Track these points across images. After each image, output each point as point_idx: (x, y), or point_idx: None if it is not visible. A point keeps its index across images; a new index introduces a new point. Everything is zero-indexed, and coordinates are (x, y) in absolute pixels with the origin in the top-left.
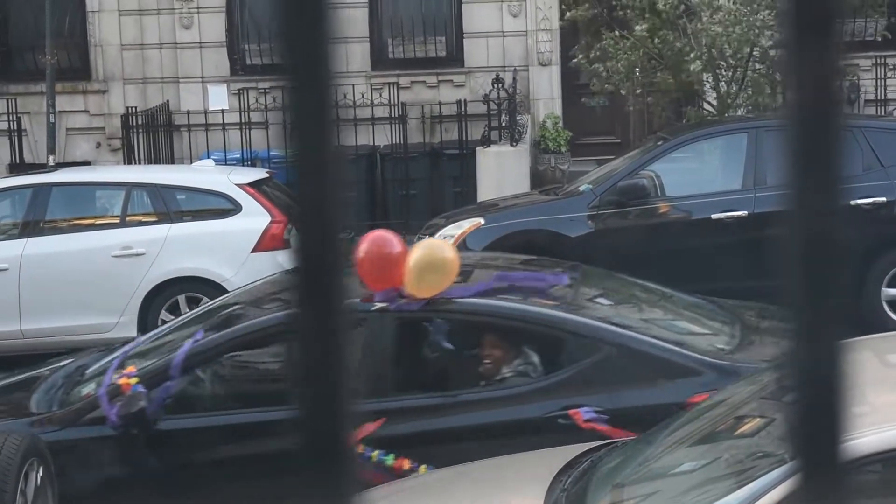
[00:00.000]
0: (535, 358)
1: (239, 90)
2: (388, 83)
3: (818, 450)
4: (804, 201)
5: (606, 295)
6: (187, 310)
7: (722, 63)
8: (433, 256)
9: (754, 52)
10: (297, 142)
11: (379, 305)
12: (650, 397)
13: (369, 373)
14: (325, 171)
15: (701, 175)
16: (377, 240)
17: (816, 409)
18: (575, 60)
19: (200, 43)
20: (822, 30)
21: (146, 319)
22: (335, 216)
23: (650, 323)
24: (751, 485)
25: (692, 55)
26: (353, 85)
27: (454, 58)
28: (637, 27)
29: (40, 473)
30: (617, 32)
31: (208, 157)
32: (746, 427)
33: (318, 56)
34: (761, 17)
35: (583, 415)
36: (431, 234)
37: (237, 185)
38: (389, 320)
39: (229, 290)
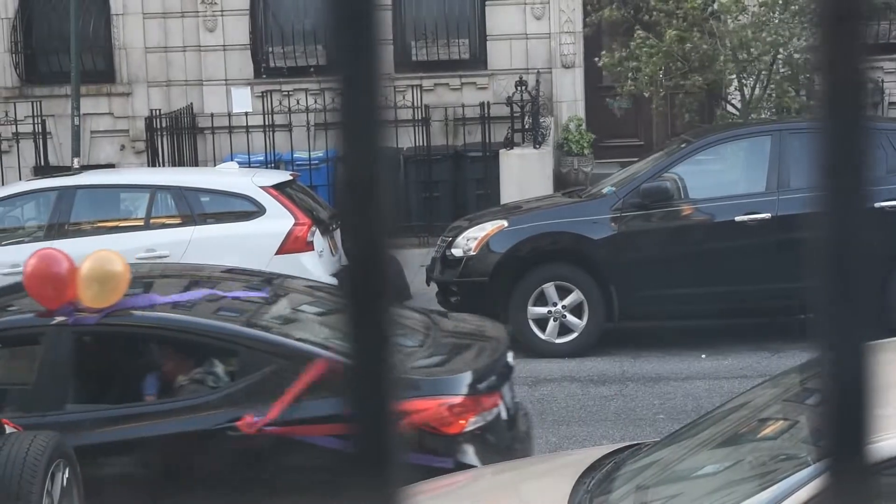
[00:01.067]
0: (218, 369)
1: (263, 93)
2: (412, 85)
3: (845, 451)
4: (833, 203)
5: (299, 310)
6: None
7: (747, 66)
8: (101, 269)
9: (779, 56)
10: (344, 142)
11: (58, 320)
12: (322, 408)
13: (48, 386)
14: (374, 172)
15: (724, 177)
16: (44, 259)
17: (843, 410)
18: (601, 62)
19: (224, 46)
20: (850, 29)
21: None
22: (384, 216)
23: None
24: (774, 487)
25: (721, 58)
26: None
27: (477, 60)
28: (667, 32)
29: (66, 475)
30: (643, 33)
31: (232, 160)
32: (770, 429)
33: (369, 56)
34: (787, 21)
35: (249, 424)
36: (455, 237)
37: (261, 187)
38: (67, 334)
39: None
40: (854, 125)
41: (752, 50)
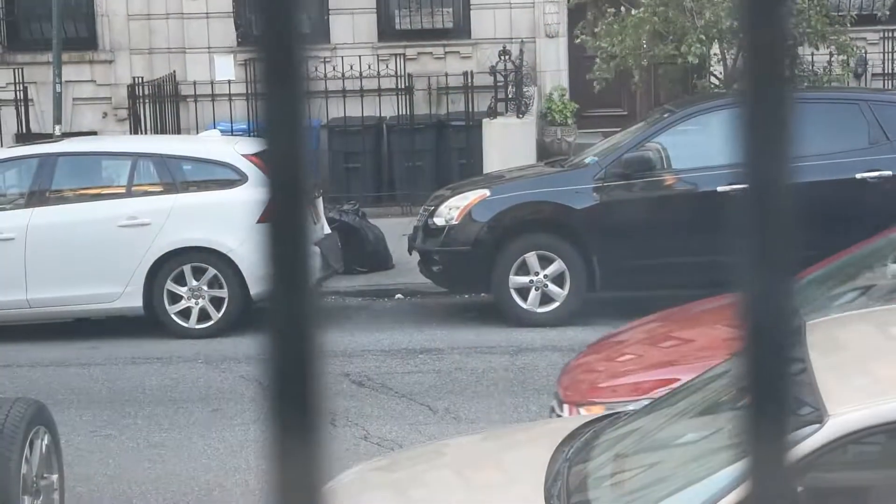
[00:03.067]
0: None
1: (245, 60)
2: (395, 54)
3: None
4: (757, 175)
5: None
6: (193, 280)
7: (728, 36)
8: None
9: None
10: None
11: None
12: None
13: None
14: (296, 145)
15: (706, 147)
16: None
17: (765, 377)
18: (578, 39)
19: (207, 13)
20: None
21: (151, 289)
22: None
23: None
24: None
25: (695, 35)
26: (360, 56)
27: (461, 29)
28: (640, 7)
29: (45, 441)
30: (623, 9)
31: (214, 128)
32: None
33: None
34: None
35: None
36: (437, 206)
37: (243, 155)
38: None
39: (235, 259)
40: (777, 97)
41: (723, 19)
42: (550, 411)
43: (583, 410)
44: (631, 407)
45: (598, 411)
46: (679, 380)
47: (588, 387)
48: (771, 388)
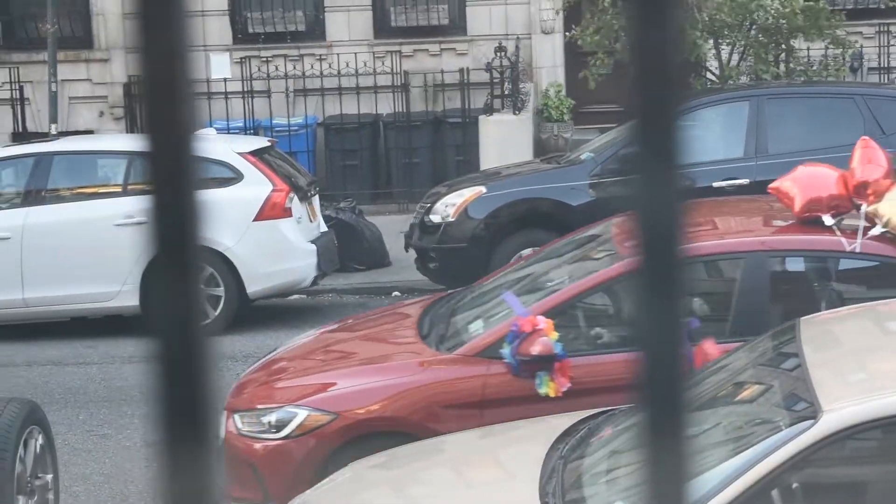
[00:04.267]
0: None
1: (241, 59)
2: (391, 51)
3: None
4: (646, 184)
5: None
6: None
7: (725, 32)
8: None
9: (756, 22)
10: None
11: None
12: None
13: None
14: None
15: (702, 143)
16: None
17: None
18: (571, 33)
19: (203, 11)
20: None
21: (148, 288)
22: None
23: None
24: (749, 450)
25: (697, 27)
26: (356, 53)
27: (457, 26)
28: None
29: (40, 441)
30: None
31: (210, 126)
32: (745, 394)
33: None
34: None
35: None
36: (434, 203)
37: (239, 153)
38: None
39: (231, 258)
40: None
41: (725, 18)
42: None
43: (237, 417)
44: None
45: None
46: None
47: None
48: (666, 386)
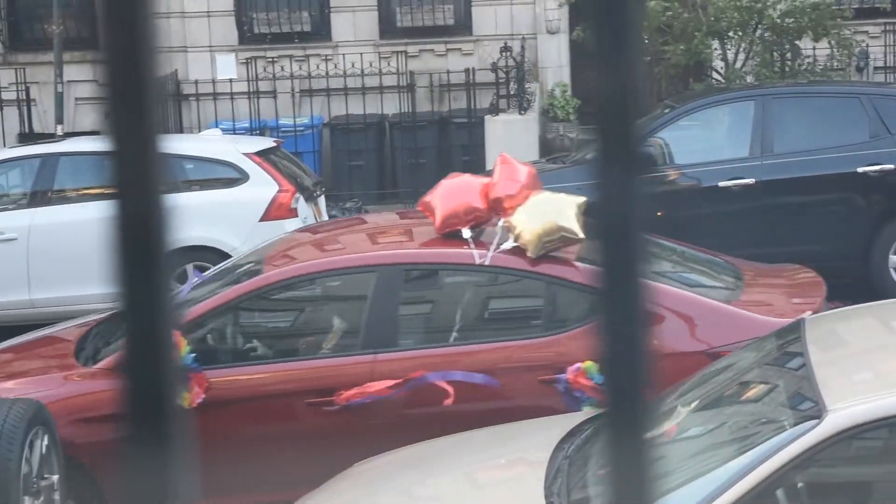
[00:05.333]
0: None
1: (247, 59)
2: (397, 52)
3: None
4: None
5: None
6: (194, 279)
7: (730, 33)
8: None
9: (762, 22)
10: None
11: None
12: None
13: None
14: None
15: (708, 143)
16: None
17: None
18: (576, 33)
19: (209, 12)
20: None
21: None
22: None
23: None
24: (754, 450)
25: (700, 32)
26: (362, 54)
27: (462, 26)
28: (650, 3)
29: (45, 442)
30: None
31: (216, 127)
32: (750, 393)
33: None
34: None
35: None
36: None
37: (245, 154)
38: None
39: None
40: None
41: (732, 17)
42: None
43: None
44: None
45: None
46: None
47: None
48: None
